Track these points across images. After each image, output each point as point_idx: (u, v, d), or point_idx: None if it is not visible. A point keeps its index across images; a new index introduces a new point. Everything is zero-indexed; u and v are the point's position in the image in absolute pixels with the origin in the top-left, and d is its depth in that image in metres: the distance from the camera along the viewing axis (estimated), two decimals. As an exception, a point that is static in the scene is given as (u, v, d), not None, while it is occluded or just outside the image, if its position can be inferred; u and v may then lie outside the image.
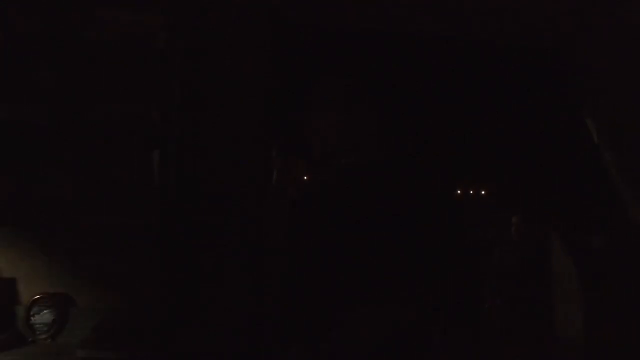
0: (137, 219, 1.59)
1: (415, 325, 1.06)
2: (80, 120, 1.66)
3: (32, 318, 1.63)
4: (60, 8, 1.57)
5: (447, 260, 1.14)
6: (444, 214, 1.20)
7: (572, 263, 1.99)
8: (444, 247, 1.15)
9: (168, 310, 1.60)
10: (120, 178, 1.75)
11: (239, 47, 1.86)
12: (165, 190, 1.60)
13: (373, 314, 1.01)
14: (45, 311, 1.65)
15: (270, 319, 1.34)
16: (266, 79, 1.85)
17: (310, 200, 1.24)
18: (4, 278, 1.67)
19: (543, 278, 2.48)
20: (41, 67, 1.64)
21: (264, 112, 1.85)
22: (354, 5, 2.01)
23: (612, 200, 1.76)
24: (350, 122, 1.24)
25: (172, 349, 1.55)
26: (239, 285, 1.75)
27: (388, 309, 1.03)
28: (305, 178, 1.79)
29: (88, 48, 1.63)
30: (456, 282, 1.14)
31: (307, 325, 1.16)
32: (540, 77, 2.06)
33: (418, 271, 1.12)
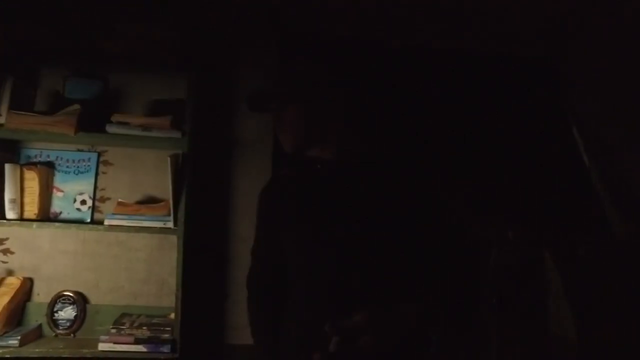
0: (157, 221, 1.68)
1: (415, 326, 1.04)
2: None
3: (55, 314, 1.73)
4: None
5: (446, 261, 1.13)
6: (442, 214, 1.19)
7: (564, 264, 2.05)
8: (442, 247, 1.14)
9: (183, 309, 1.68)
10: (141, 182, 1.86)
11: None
12: (180, 194, 1.68)
13: (372, 315, 0.96)
14: (67, 307, 1.74)
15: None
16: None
17: (308, 198, 1.20)
18: (27, 277, 1.77)
19: (542, 277, 2.49)
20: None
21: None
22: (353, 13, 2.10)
23: (599, 208, 1.82)
24: (347, 120, 1.21)
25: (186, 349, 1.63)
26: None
27: (387, 310, 1.00)
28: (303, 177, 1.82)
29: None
30: (455, 282, 1.12)
31: (304, 327, 1.15)
32: (535, 88, 2.12)
33: (417, 272, 1.12)
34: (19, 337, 1.56)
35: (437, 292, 1.10)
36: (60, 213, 1.81)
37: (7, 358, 1.52)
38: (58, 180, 1.83)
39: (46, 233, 1.81)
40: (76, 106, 1.69)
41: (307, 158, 1.21)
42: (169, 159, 1.63)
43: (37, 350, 1.57)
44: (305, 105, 1.16)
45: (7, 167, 1.66)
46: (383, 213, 1.11)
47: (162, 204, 1.76)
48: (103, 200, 1.85)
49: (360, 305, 1.03)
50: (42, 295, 1.78)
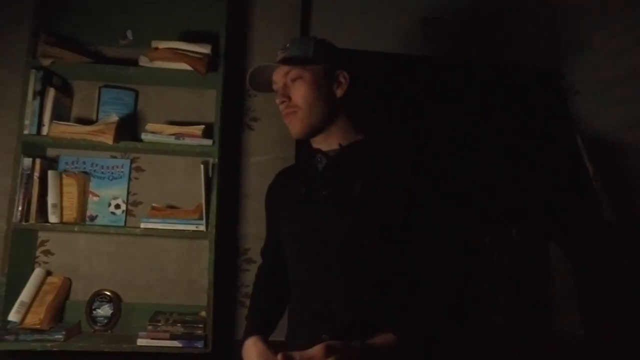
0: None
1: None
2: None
3: (93, 311, 1.85)
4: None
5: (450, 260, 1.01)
6: (444, 217, 1.06)
7: (568, 261, 2.13)
8: (443, 254, 1.02)
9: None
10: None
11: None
12: (210, 199, 1.79)
13: (331, 351, 0.83)
14: (104, 305, 1.86)
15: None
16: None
17: (299, 192, 1.13)
18: (66, 277, 1.88)
19: (544, 276, 2.50)
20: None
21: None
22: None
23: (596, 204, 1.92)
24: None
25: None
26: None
27: (354, 347, 0.86)
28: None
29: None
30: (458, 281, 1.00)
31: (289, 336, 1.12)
32: (541, 97, 2.23)
33: (408, 286, 1.03)
34: (63, 332, 1.67)
35: (440, 291, 0.97)
36: (96, 216, 1.92)
37: (54, 351, 1.64)
38: (93, 185, 1.94)
39: (83, 235, 1.92)
40: (114, 117, 1.80)
41: (311, 149, 1.14)
42: (202, 166, 1.74)
43: (80, 344, 1.68)
44: (316, 84, 1.07)
45: (50, 174, 1.78)
46: (377, 216, 1.01)
47: (193, 208, 1.87)
48: (135, 204, 1.96)
49: (334, 328, 0.97)
50: (79, 294, 1.89)
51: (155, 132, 1.80)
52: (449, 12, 2.30)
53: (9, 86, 1.92)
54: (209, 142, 1.80)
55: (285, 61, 1.08)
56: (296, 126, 1.08)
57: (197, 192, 1.91)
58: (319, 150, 1.12)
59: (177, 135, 1.79)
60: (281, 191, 1.22)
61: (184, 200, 1.97)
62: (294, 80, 1.08)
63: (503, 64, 2.34)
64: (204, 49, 1.80)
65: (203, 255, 1.92)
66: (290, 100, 1.07)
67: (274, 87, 1.12)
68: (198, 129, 1.80)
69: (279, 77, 1.10)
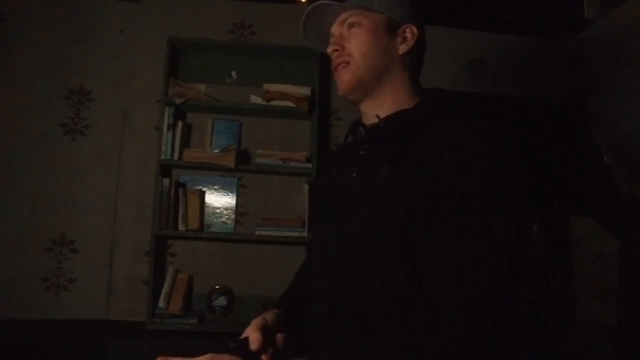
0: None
1: None
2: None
3: (212, 302, 2.27)
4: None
5: None
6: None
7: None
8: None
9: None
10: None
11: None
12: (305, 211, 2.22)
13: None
14: (220, 297, 2.28)
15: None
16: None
17: (329, 176, 1.00)
18: (189, 274, 2.31)
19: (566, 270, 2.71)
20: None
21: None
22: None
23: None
24: None
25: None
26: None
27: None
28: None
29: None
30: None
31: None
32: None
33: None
34: (196, 318, 2.10)
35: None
36: (211, 225, 2.35)
37: (192, 332, 2.06)
38: (208, 199, 2.37)
39: (200, 241, 2.35)
40: (232, 146, 2.24)
41: (359, 116, 0.98)
42: (306, 185, 2.18)
43: (210, 326, 2.10)
44: (375, 33, 0.92)
45: (180, 191, 2.21)
46: (395, 215, 0.79)
47: (296, 217, 2.30)
48: (242, 215, 2.39)
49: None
50: (199, 287, 2.31)
51: (266, 156, 2.24)
52: (490, 54, 2.75)
53: (141, 120, 2.37)
54: (309, 165, 2.24)
55: (343, 4, 0.94)
56: (344, 80, 0.92)
57: (293, 204, 2.37)
58: (362, 122, 0.96)
59: (285, 160, 2.23)
60: (324, 171, 1.07)
61: (281, 211, 2.39)
62: (350, 27, 0.93)
63: (536, 98, 2.79)
64: (306, 91, 2.25)
65: (296, 257, 2.34)
66: (344, 49, 0.93)
67: (331, 41, 0.98)
68: (302, 155, 2.24)
69: (336, 27, 0.97)
